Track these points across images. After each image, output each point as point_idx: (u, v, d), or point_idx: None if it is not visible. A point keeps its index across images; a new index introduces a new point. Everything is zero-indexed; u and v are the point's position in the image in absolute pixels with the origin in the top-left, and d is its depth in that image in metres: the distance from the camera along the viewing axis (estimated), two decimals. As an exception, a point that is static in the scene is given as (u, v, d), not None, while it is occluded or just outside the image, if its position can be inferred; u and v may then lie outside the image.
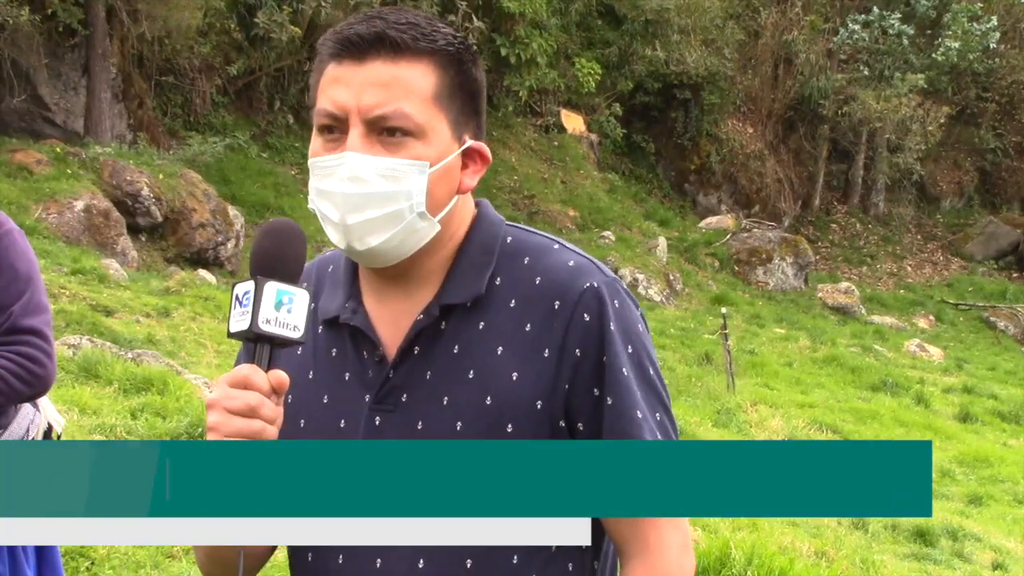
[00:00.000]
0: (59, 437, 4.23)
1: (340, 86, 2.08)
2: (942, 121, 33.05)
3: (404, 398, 2.14)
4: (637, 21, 30.63)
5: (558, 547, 2.12)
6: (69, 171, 18.30)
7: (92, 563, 6.45)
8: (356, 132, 2.06)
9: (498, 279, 2.16)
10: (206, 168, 21.19)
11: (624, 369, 2.10)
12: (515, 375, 2.10)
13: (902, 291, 31.23)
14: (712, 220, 30.42)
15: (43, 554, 3.92)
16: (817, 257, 31.42)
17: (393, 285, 2.19)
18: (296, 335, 2.00)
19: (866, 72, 33.26)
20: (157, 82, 23.05)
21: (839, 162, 35.89)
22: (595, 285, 2.12)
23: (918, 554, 10.74)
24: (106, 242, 17.59)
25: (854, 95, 32.64)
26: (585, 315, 2.10)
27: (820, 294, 28.17)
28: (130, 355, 11.22)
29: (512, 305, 2.14)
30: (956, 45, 32.71)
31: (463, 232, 2.21)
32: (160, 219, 18.96)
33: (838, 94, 33.15)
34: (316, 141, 2.13)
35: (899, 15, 33.40)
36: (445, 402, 2.11)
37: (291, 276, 2.02)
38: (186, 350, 12.96)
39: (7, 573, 3.78)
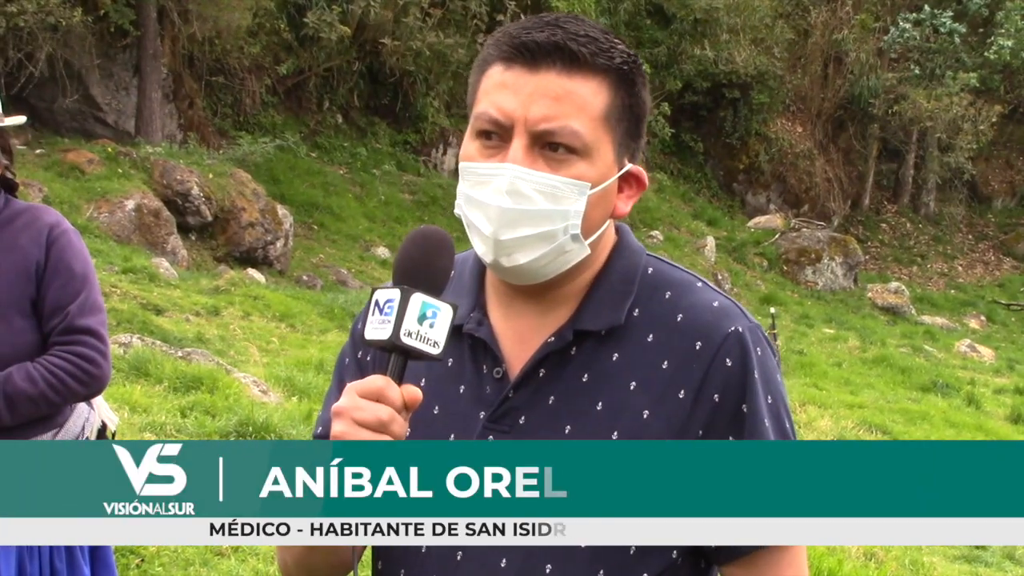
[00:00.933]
0: (113, 435, 4.27)
1: (508, 92, 1.99)
2: (994, 120, 32.77)
3: (522, 420, 2.06)
4: (686, 20, 30.52)
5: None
6: (120, 170, 18.44)
7: (142, 560, 6.50)
8: (519, 143, 1.98)
9: (636, 311, 2.08)
10: (255, 168, 21.29)
11: (765, 420, 2.03)
12: (646, 413, 2.02)
13: (953, 291, 31.01)
14: (761, 220, 30.30)
15: (96, 552, 3.95)
16: (867, 257, 31.23)
17: (525, 302, 2.11)
18: (435, 351, 1.92)
19: (917, 71, 33.01)
20: (207, 82, 23.18)
21: (889, 161, 35.65)
22: (740, 330, 2.05)
23: (968, 556, 10.66)
24: (156, 241, 17.71)
25: (905, 94, 32.43)
26: (728, 360, 2.02)
27: (870, 294, 27.99)
28: (180, 354, 11.29)
29: (650, 340, 2.06)
30: (1009, 43, 32.41)
31: (604, 257, 2.13)
32: (210, 218, 19.07)
33: (888, 93, 32.94)
34: (471, 145, 2.04)
35: (951, 13, 33.14)
36: (567, 431, 2.03)
37: (437, 288, 1.94)
38: (235, 349, 13.02)
39: (64, 570, 3.82)
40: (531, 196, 1.98)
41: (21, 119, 4.06)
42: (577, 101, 1.98)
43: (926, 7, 33.20)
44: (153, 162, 19.02)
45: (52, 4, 18.65)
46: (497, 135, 2.00)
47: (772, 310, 19.67)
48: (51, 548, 3.78)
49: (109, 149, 18.99)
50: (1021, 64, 33.40)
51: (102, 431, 4.20)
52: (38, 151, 18.87)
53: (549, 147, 1.98)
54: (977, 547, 10.92)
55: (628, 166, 2.10)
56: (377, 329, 1.92)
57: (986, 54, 33.03)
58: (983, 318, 28.74)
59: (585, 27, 2.02)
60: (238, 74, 23.48)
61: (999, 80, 34.29)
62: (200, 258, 18.80)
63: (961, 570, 10.18)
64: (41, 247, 3.71)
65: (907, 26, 32.94)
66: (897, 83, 33.05)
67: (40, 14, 18.67)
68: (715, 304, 2.08)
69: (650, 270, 2.14)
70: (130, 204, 17.72)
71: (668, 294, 2.10)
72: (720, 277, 25.69)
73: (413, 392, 1.92)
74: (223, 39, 21.89)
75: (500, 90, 2.00)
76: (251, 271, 18.18)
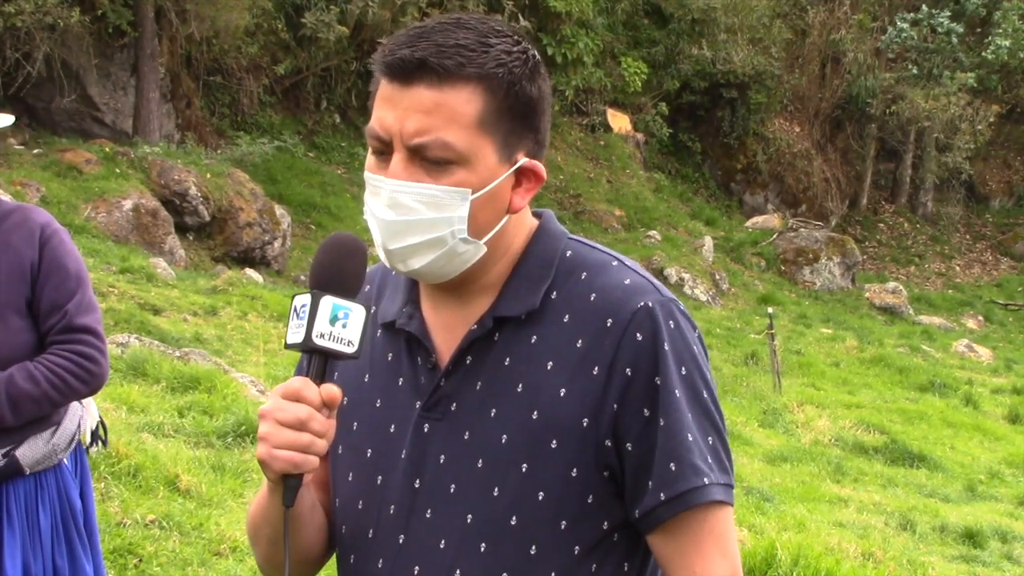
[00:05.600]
0: (105, 433, 4.26)
1: (388, 108, 2.05)
2: (991, 120, 32.80)
3: (453, 407, 2.13)
4: (684, 20, 30.55)
5: (597, 566, 2.11)
6: (118, 170, 18.45)
7: (140, 560, 6.49)
8: (398, 157, 2.04)
9: (554, 294, 2.14)
10: (253, 167, 21.31)
11: (676, 391, 2.07)
12: (563, 391, 2.07)
13: (950, 291, 31.02)
14: (759, 219, 30.31)
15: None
16: (864, 257, 31.24)
17: (449, 293, 2.17)
18: (350, 350, 2.01)
19: (915, 71, 33.03)
20: (205, 82, 23.19)
21: (887, 161, 35.66)
22: (649, 305, 2.09)
23: (966, 556, 10.66)
24: (154, 241, 17.72)
25: (902, 94, 32.44)
26: (637, 334, 2.07)
27: (867, 294, 28.01)
28: (178, 353, 11.29)
29: (566, 320, 2.11)
30: (1006, 43, 32.42)
31: (521, 244, 2.18)
32: (207, 218, 19.07)
33: (886, 93, 32.94)
34: (370, 156, 2.11)
35: (948, 13, 33.16)
36: (492, 414, 2.10)
37: (348, 291, 2.03)
38: (233, 349, 13.03)
39: (66, 568, 3.83)
40: (413, 207, 2.04)
41: (10, 118, 4.05)
42: (447, 113, 2.02)
43: (924, 7, 33.22)
44: (151, 162, 19.02)
45: (50, 4, 18.65)
46: (383, 150, 2.07)
47: (770, 310, 19.70)
48: (52, 546, 3.79)
49: (107, 149, 19.00)
50: (1018, 64, 33.41)
51: (95, 429, 4.22)
52: (35, 151, 18.88)
53: (427, 158, 2.03)
54: (975, 547, 10.93)
55: (522, 161, 2.11)
56: (294, 333, 2.02)
57: (984, 54, 33.05)
58: (981, 318, 28.77)
59: (458, 35, 2.04)
60: (236, 74, 23.49)
61: (997, 80, 34.30)
62: (198, 258, 18.81)
63: (959, 570, 10.18)
64: (35, 247, 3.71)
65: (905, 26, 32.95)
66: (895, 83, 33.06)
67: (38, 14, 18.68)
68: (627, 282, 2.12)
69: (568, 253, 2.18)
70: (128, 204, 17.73)
71: (584, 275, 2.15)
72: (718, 277, 25.70)
73: (330, 391, 2.01)
74: (221, 39, 21.88)
75: (382, 105, 2.07)
76: (249, 271, 18.18)
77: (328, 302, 1.99)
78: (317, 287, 2.01)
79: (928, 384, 19.74)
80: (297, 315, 2.01)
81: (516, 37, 2.10)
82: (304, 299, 2.01)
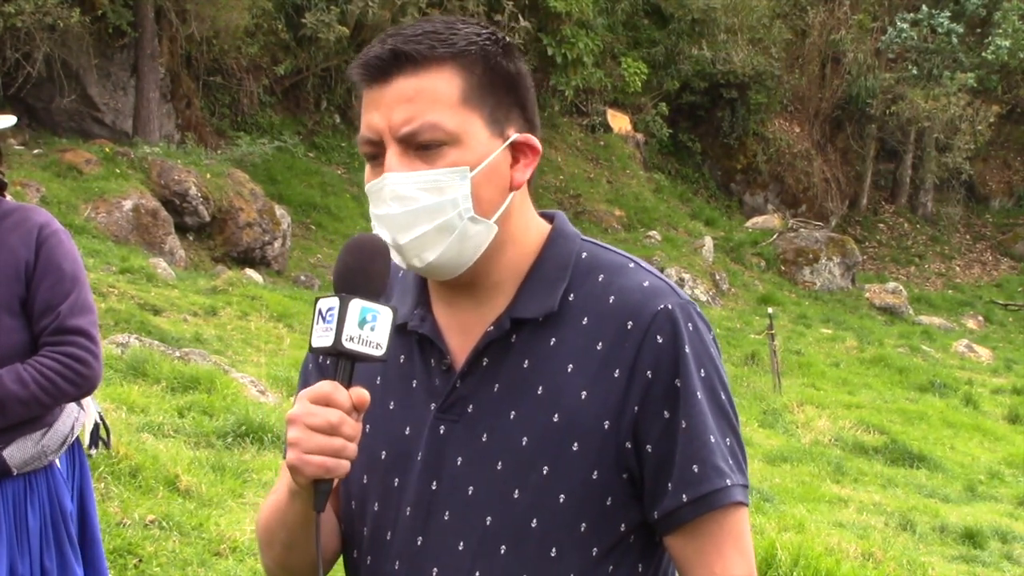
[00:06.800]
0: (108, 434, 4.25)
1: (372, 110, 2.07)
2: (992, 120, 32.81)
3: (470, 409, 2.12)
4: (683, 20, 30.55)
5: (614, 567, 2.11)
6: (118, 171, 18.45)
7: (140, 560, 6.49)
8: (392, 152, 2.05)
9: (571, 295, 2.13)
10: (253, 168, 21.30)
11: (698, 393, 2.08)
12: (584, 394, 2.07)
13: (950, 291, 31.03)
14: (759, 220, 30.32)
15: (87, 554, 3.95)
16: (864, 257, 31.24)
17: (462, 294, 2.17)
18: (378, 353, 2.00)
19: (915, 71, 33.04)
20: (205, 82, 23.19)
21: (887, 162, 35.66)
22: (669, 307, 2.09)
23: (966, 556, 10.66)
24: (154, 241, 17.72)
25: (902, 94, 32.45)
26: (658, 337, 2.07)
27: (867, 294, 28.02)
28: (178, 354, 11.29)
29: (584, 323, 2.11)
30: (1006, 43, 32.43)
31: (537, 246, 2.18)
32: (207, 218, 19.07)
33: (886, 93, 32.95)
34: (367, 170, 2.12)
35: (948, 13, 33.17)
36: (512, 416, 2.10)
37: (375, 293, 2.02)
38: (233, 349, 13.03)
39: (54, 570, 3.81)
40: (415, 196, 2.05)
41: (12, 119, 4.04)
42: (430, 95, 2.05)
43: (924, 7, 33.23)
44: (151, 162, 19.02)
45: (50, 4, 18.66)
46: (377, 153, 2.08)
47: (770, 310, 19.71)
48: (41, 548, 3.78)
49: (107, 149, 19.00)
50: (1018, 64, 33.41)
51: (95, 431, 4.20)
52: (36, 151, 18.88)
53: (420, 146, 2.05)
54: (975, 547, 10.93)
55: (514, 136, 2.13)
56: (321, 337, 2.00)
57: (984, 54, 33.06)
58: (981, 318, 28.78)
59: (424, 25, 2.09)
60: (236, 74, 23.49)
61: (997, 80, 34.31)
62: (198, 258, 18.81)
63: (959, 570, 10.18)
64: (31, 247, 3.70)
65: (905, 26, 32.95)
66: (895, 83, 33.07)
67: (38, 14, 18.68)
68: (645, 284, 2.12)
69: (584, 255, 2.18)
70: (128, 204, 17.73)
71: (601, 277, 2.14)
72: (718, 277, 25.70)
73: (361, 394, 1.99)
74: (221, 39, 21.88)
75: (366, 111, 2.09)
76: (249, 271, 18.19)
77: (357, 305, 1.98)
78: (344, 290, 2.00)
79: (928, 384, 19.75)
80: (324, 318, 2.00)
81: (484, 24, 2.14)
82: (331, 302, 2.00)
